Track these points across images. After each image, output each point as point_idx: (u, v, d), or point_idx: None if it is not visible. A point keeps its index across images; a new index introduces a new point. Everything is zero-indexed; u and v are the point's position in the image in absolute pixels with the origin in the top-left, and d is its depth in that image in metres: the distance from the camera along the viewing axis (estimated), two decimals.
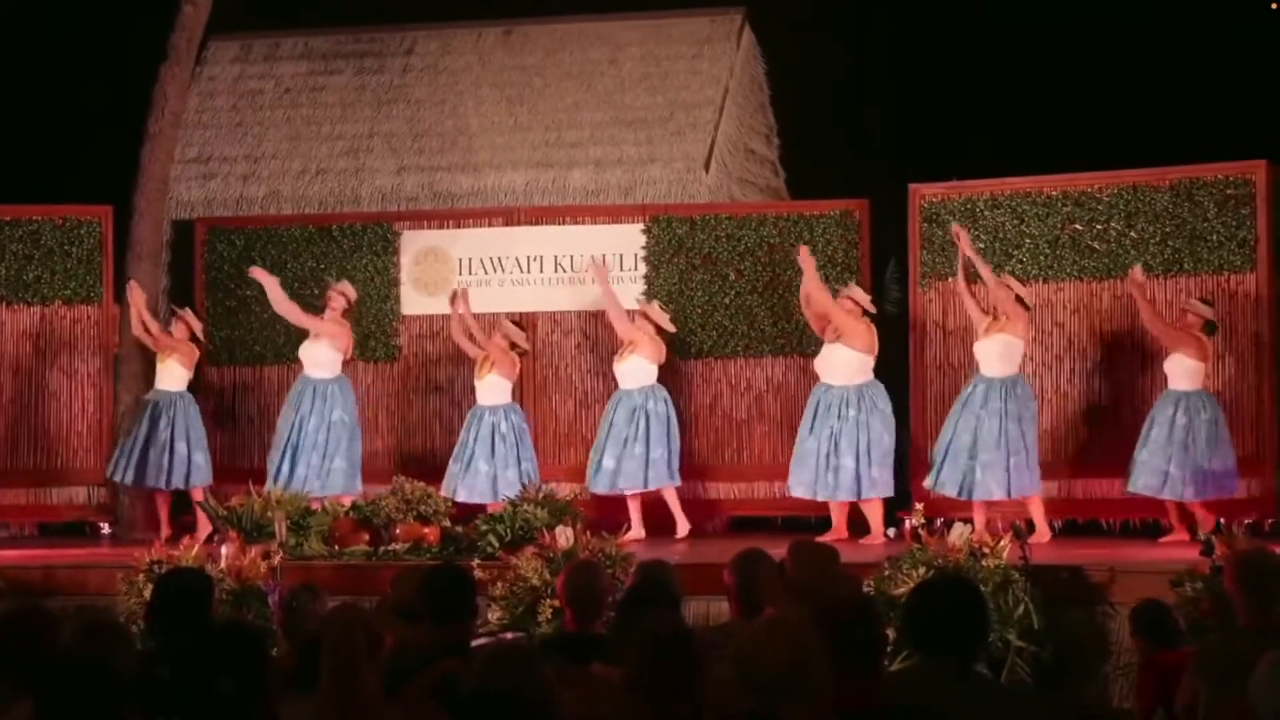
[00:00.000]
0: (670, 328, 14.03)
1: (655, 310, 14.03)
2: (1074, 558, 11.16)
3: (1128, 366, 13.86)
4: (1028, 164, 14.44)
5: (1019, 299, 13.03)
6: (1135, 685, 8.63)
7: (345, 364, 14.26)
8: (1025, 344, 13.23)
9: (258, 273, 14.42)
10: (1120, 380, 13.89)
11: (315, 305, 14.59)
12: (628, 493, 13.72)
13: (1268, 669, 5.73)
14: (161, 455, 14.14)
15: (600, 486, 13.77)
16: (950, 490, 12.93)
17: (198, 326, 14.45)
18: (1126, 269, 13.66)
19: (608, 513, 13.50)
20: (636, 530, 13.59)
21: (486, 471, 13.74)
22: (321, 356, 14.09)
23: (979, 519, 12.54)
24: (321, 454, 13.93)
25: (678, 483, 13.86)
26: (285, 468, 13.85)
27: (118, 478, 14.34)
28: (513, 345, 14.07)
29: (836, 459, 13.23)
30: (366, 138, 16.64)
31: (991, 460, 12.80)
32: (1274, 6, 15.02)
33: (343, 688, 5.70)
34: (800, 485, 13.41)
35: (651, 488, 13.75)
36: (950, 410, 13.24)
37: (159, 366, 14.32)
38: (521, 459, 13.87)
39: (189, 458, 14.22)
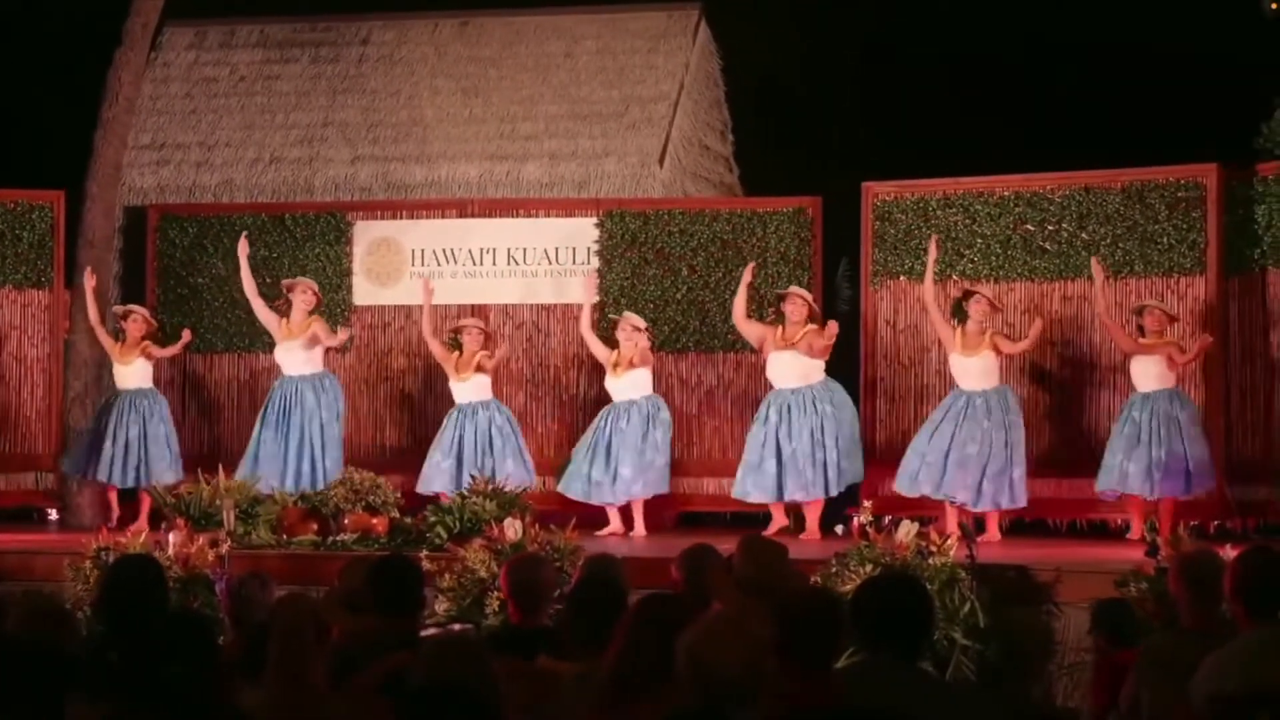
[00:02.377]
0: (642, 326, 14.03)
1: (633, 318, 13.95)
2: (1020, 557, 11.20)
3: (1077, 367, 13.93)
4: (981, 164, 14.49)
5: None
6: (1090, 683, 8.67)
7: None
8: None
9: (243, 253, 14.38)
10: (1069, 380, 13.96)
11: (264, 292, 14.60)
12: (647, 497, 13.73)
13: (1210, 668, 5.78)
14: (143, 454, 14.12)
15: (620, 496, 13.69)
16: (926, 489, 12.92)
17: (150, 320, 14.40)
18: (1078, 270, 13.76)
19: (559, 507, 13.49)
20: (616, 526, 13.66)
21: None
22: (318, 355, 14.15)
23: (950, 519, 12.62)
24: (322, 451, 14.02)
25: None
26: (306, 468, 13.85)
27: (101, 478, 14.23)
28: (486, 341, 14.07)
29: (822, 454, 13.28)
30: (321, 127, 16.60)
31: (1001, 470, 12.87)
32: (1274, 7, 15.08)
33: (288, 677, 5.70)
34: (760, 490, 13.41)
35: (663, 491, 13.85)
36: (932, 418, 13.22)
37: (122, 368, 14.24)
38: (522, 450, 13.92)
39: (170, 451, 14.21)
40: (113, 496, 14.23)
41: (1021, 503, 13.02)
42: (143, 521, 13.25)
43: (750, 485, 13.48)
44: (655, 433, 13.72)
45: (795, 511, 13.55)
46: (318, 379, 14.15)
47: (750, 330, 13.74)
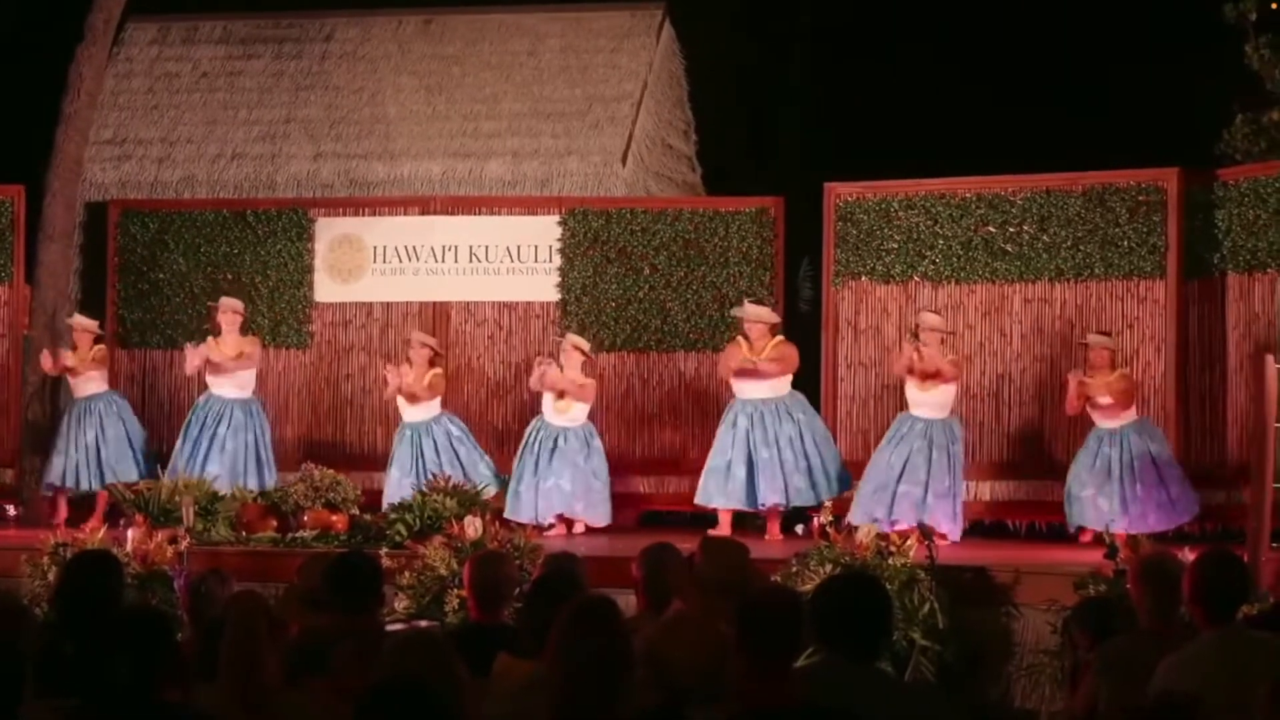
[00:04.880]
0: (591, 356, 14.01)
1: (576, 339, 13.92)
2: (979, 559, 11.23)
3: (1037, 368, 13.96)
4: (943, 165, 14.53)
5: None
6: (1070, 683, 8.61)
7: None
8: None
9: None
10: (1029, 382, 14.00)
11: (226, 289, 14.58)
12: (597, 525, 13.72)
13: (1168, 670, 5.81)
14: (100, 457, 14.08)
15: (556, 508, 13.61)
16: (879, 512, 12.85)
17: (94, 325, 14.36)
18: (1038, 272, 13.83)
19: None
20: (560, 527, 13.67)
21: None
22: (248, 377, 14.12)
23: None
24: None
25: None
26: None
27: (69, 484, 14.19)
28: (434, 358, 14.04)
29: (805, 461, 13.26)
30: (283, 123, 16.55)
31: (942, 492, 12.86)
32: (1274, 6, 15.14)
33: (242, 673, 5.69)
34: (724, 496, 13.39)
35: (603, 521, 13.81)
36: (881, 445, 13.24)
37: (76, 381, 14.23)
38: (484, 456, 13.95)
39: (134, 450, 14.17)
40: (61, 497, 14.18)
41: (953, 534, 12.88)
42: (98, 518, 13.18)
43: (714, 490, 13.39)
44: (593, 460, 13.72)
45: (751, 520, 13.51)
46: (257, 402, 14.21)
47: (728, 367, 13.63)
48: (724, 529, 13.14)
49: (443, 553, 10.59)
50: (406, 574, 10.57)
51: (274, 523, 12.35)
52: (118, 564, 7.11)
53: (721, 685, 4.96)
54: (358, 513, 12.47)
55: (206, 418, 14.01)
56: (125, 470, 14.00)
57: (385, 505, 13.32)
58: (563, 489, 13.55)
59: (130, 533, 10.99)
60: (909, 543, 10.16)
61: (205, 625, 7.15)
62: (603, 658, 5.05)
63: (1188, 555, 7.59)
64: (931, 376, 13.01)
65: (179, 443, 14.03)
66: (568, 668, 5.08)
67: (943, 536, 12.39)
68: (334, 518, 12.33)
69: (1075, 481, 12.79)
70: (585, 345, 13.88)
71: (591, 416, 13.96)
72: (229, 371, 14.05)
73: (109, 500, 13.60)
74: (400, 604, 10.36)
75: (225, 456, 13.86)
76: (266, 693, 5.68)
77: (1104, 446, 12.72)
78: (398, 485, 13.62)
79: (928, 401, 13.05)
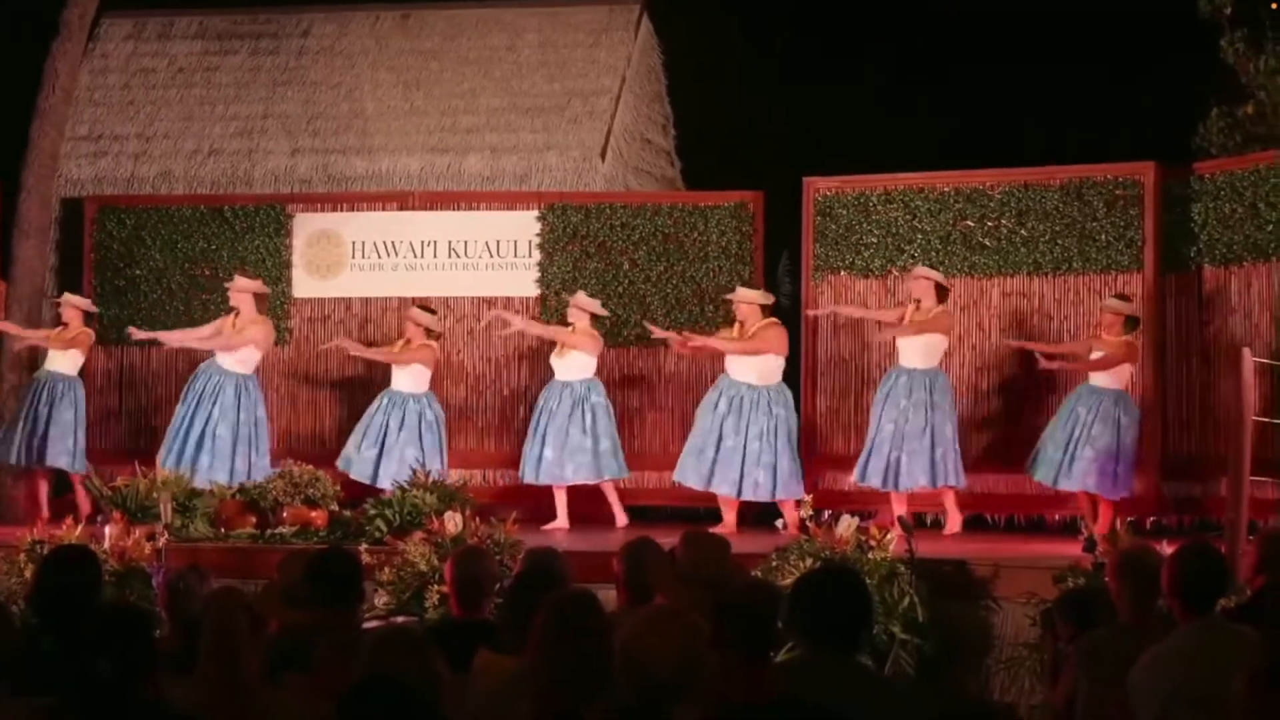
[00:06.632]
0: (602, 312, 13.99)
1: (584, 299, 13.94)
2: (959, 552, 11.25)
3: (1015, 362, 13.98)
4: (921, 159, 14.54)
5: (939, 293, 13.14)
6: (1049, 674, 8.59)
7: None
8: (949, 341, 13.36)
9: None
10: (1007, 376, 14.02)
11: (202, 284, 14.55)
12: (573, 484, 13.67)
13: (1146, 663, 5.82)
14: (43, 433, 13.99)
15: (542, 478, 13.65)
16: (875, 481, 12.97)
17: (87, 304, 14.34)
18: (1016, 266, 13.86)
19: (500, 500, 13.49)
20: (562, 521, 13.58)
21: (413, 456, 13.61)
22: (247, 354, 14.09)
23: (898, 508, 12.71)
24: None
25: (627, 474, 13.92)
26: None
27: (11, 459, 14.15)
28: (428, 331, 14.00)
29: (771, 457, 13.25)
30: (260, 119, 16.52)
31: (916, 449, 12.89)
32: (1274, 6, 15.17)
33: (221, 670, 5.68)
34: (695, 476, 13.40)
35: (606, 478, 13.76)
36: (872, 405, 13.29)
37: (54, 352, 14.16)
38: (442, 449, 13.87)
39: (74, 440, 14.07)
40: (43, 492, 14.13)
41: (941, 483, 12.98)
42: (85, 513, 13.12)
43: (689, 470, 13.41)
44: (588, 416, 13.70)
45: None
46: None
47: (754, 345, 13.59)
48: (729, 526, 13.16)
49: (423, 548, 10.58)
50: (387, 570, 10.55)
51: (253, 519, 12.32)
52: (96, 560, 7.09)
53: (698, 679, 4.96)
54: (337, 509, 12.45)
55: (204, 390, 13.94)
56: (56, 455, 13.92)
57: (338, 463, 13.31)
58: (547, 457, 13.59)
59: (108, 529, 10.95)
60: (889, 536, 10.16)
61: (184, 622, 7.15)
62: (584, 653, 5.05)
63: (1166, 548, 7.62)
64: (924, 328, 13.05)
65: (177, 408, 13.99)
66: (549, 663, 5.09)
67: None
68: (313, 514, 12.30)
69: (1049, 439, 12.85)
70: (594, 306, 13.85)
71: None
72: (231, 349, 13.96)
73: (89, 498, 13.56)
74: (380, 600, 10.35)
75: (211, 435, 13.79)
76: (246, 690, 5.67)
77: (1078, 406, 12.76)
78: (356, 455, 13.67)
79: (911, 348, 13.06)
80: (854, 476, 13.17)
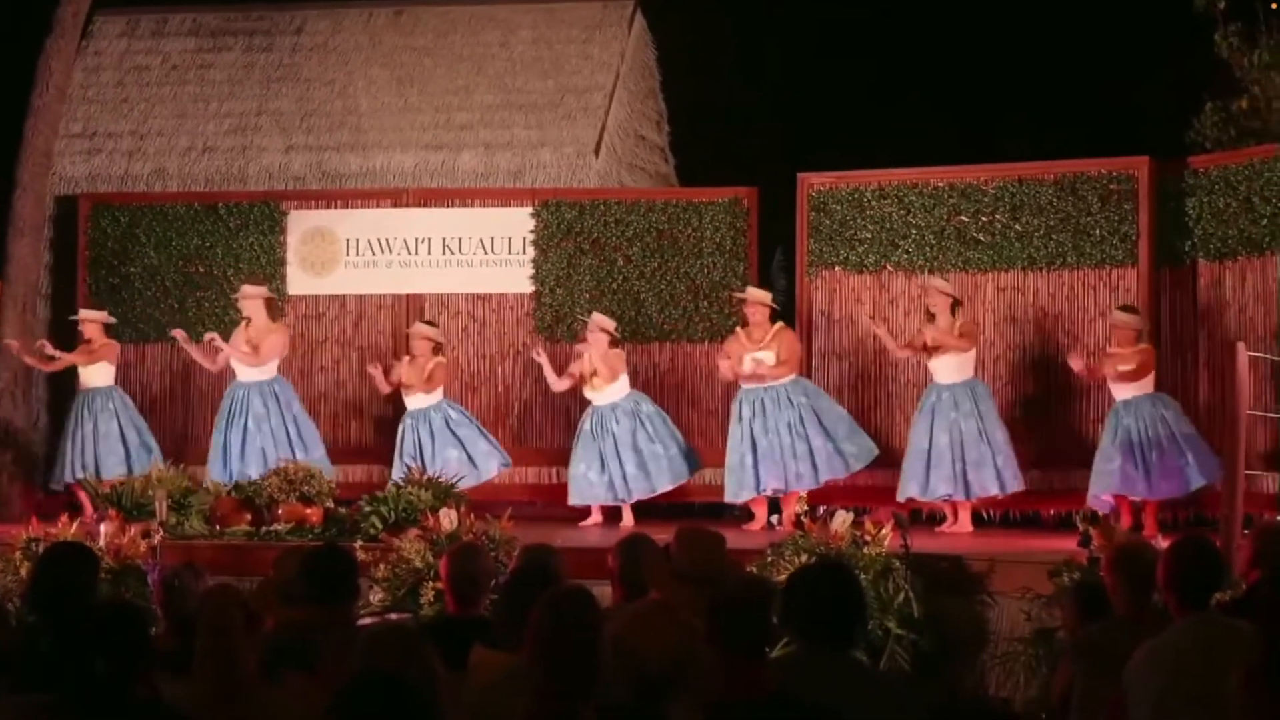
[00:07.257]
0: (615, 335, 14.05)
1: (602, 319, 13.94)
2: (954, 547, 11.26)
3: (1010, 357, 13.99)
4: (915, 155, 14.55)
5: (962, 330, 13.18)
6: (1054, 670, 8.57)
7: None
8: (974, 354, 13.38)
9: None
10: (1002, 370, 14.02)
11: (196, 281, 14.54)
12: (669, 488, 13.84)
13: (1142, 657, 5.82)
14: (93, 449, 14.03)
15: (634, 493, 13.73)
16: (944, 490, 12.98)
17: (104, 315, 14.37)
18: (1011, 261, 13.87)
19: (494, 496, 13.48)
20: (596, 517, 13.79)
21: (455, 457, 13.70)
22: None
23: (963, 515, 12.97)
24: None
25: (700, 467, 14.05)
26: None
27: (67, 478, 14.17)
28: (437, 348, 14.02)
29: (805, 444, 13.29)
30: (254, 116, 16.51)
31: (976, 459, 12.95)
32: (1274, 6, 15.19)
33: (217, 668, 5.68)
34: (746, 489, 13.43)
35: (689, 477, 13.94)
36: (914, 421, 13.30)
37: (84, 368, 14.18)
38: (485, 434, 14.08)
39: (125, 448, 14.12)
40: (84, 499, 14.11)
41: (1011, 489, 13.08)
42: (87, 511, 13.10)
43: (737, 486, 13.48)
44: (648, 427, 13.79)
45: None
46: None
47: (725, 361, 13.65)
48: (759, 522, 13.26)
49: (418, 545, 10.58)
50: (382, 566, 10.55)
51: (248, 516, 12.33)
52: (93, 556, 7.09)
53: (692, 674, 4.95)
54: (332, 506, 12.45)
55: (233, 408, 13.97)
56: (110, 468, 13.94)
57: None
58: (630, 473, 13.73)
59: (103, 527, 10.95)
60: (884, 532, 10.16)
61: (180, 620, 7.15)
62: (579, 649, 5.04)
63: (1161, 542, 7.62)
64: (938, 349, 13.08)
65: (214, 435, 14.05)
66: (544, 660, 5.08)
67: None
68: (308, 511, 12.31)
69: (1101, 456, 12.81)
70: (610, 325, 13.89)
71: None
72: (262, 364, 14.01)
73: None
74: (376, 597, 10.35)
75: (254, 449, 13.80)
76: (242, 686, 5.67)
77: (1122, 419, 12.73)
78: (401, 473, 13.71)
79: (944, 366, 13.10)
80: (911, 492, 13.10)
